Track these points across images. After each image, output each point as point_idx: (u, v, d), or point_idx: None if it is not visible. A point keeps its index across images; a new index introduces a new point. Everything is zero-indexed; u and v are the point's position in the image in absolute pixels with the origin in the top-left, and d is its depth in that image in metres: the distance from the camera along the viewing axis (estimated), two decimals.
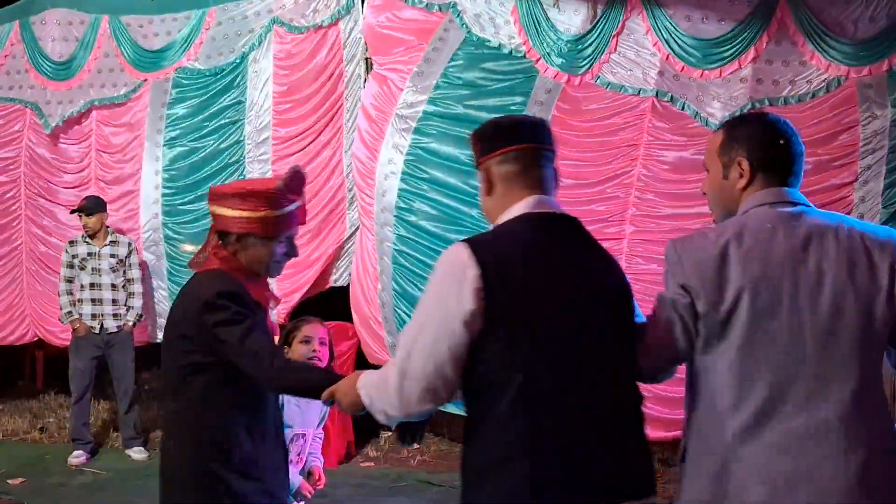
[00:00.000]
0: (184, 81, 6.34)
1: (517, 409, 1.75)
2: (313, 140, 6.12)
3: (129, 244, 6.03)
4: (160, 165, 6.38)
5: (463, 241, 1.85)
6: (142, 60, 6.40)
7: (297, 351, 3.20)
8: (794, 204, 1.89)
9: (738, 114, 4.47)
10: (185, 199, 6.36)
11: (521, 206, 1.91)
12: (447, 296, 1.79)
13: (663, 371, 2.01)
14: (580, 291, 1.85)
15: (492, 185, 1.96)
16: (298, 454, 3.27)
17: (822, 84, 4.88)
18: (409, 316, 4.59)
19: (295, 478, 3.13)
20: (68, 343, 5.97)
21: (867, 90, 4.86)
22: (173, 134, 6.37)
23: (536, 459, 1.75)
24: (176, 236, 6.38)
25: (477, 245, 1.82)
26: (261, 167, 6.20)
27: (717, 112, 5.01)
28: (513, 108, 5.25)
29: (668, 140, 5.12)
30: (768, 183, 1.90)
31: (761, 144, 1.91)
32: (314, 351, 3.19)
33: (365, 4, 5.77)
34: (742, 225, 1.85)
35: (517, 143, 1.94)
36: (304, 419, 3.25)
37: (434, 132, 5.41)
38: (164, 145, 6.38)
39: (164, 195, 6.39)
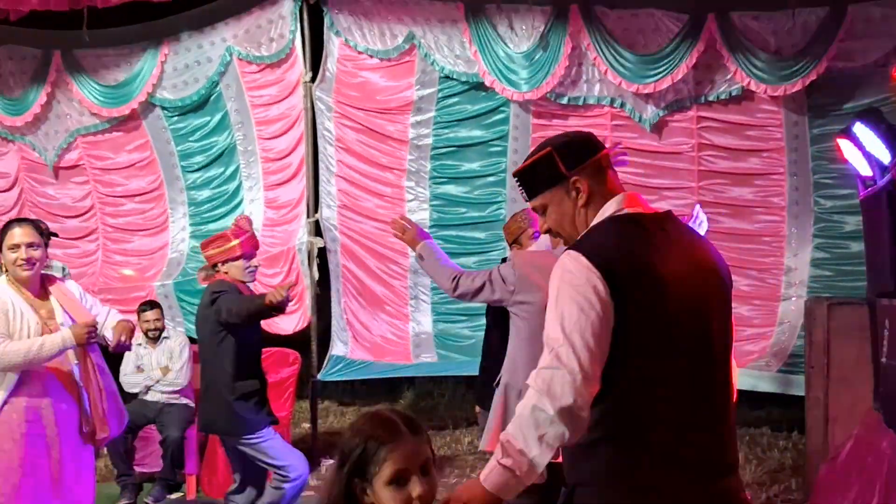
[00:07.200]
0: (167, 112, 6.46)
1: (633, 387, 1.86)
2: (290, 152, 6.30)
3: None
4: (185, 197, 6.59)
5: (574, 249, 1.90)
6: (104, 94, 6.41)
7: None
8: None
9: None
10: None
11: (612, 206, 1.98)
12: (580, 298, 1.84)
13: None
14: (696, 281, 1.92)
15: (582, 194, 2.00)
16: None
17: (738, 88, 5.34)
18: None
19: None
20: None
21: (791, 114, 5.35)
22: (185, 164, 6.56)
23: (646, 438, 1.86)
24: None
25: (589, 251, 1.87)
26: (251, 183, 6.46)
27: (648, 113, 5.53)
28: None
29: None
30: None
31: None
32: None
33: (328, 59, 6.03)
34: None
35: (599, 151, 2.03)
36: None
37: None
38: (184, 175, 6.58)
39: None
